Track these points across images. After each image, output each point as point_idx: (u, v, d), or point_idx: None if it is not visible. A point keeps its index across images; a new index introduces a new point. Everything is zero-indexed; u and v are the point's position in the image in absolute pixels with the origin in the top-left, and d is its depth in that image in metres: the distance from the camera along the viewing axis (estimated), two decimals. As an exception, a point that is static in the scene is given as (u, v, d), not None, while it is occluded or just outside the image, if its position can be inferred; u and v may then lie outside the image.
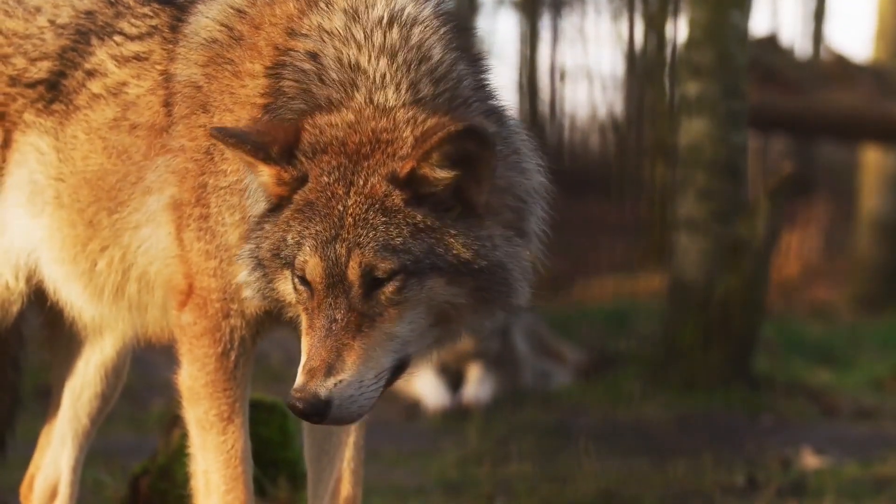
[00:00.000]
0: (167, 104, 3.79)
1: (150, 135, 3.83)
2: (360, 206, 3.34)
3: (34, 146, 3.99)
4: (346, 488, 3.94)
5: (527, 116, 16.01)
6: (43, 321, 4.38)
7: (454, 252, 3.34)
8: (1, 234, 4.05)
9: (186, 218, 3.72)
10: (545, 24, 18.25)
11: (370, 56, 3.49)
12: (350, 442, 3.94)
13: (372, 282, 3.33)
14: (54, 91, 3.98)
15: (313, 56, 3.53)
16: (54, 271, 4.00)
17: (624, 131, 16.51)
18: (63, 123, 3.95)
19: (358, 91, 3.46)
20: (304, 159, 3.42)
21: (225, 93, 3.70)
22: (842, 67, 11.92)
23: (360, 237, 3.32)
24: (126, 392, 4.92)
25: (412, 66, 3.48)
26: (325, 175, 3.39)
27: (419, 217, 3.34)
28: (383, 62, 3.47)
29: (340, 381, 3.31)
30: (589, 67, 17.30)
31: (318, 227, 3.36)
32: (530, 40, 17.22)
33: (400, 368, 3.42)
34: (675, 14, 14.72)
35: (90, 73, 3.94)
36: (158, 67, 3.85)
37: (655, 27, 15.49)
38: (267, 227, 3.46)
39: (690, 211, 8.30)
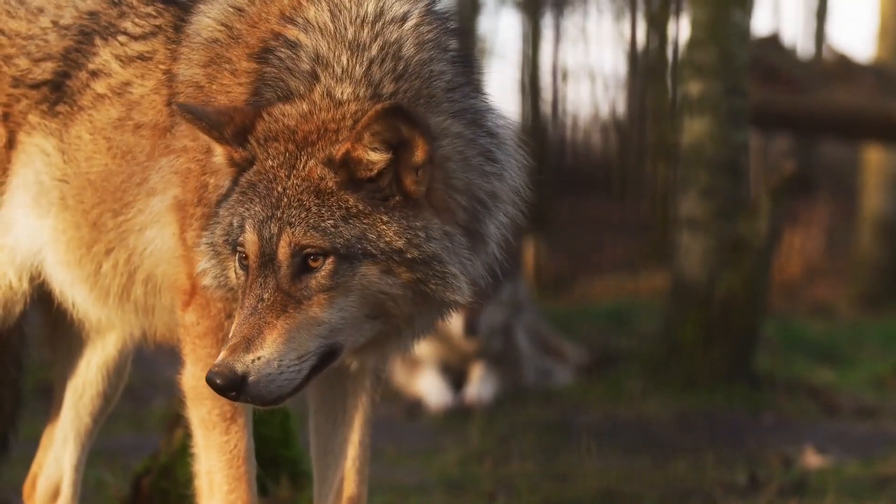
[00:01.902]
0: (170, 104, 3.80)
1: (154, 135, 3.84)
2: (297, 187, 3.39)
3: (39, 147, 3.99)
4: (350, 487, 3.94)
5: (529, 116, 16.01)
6: (44, 320, 4.38)
7: (386, 239, 3.37)
8: (6, 234, 4.06)
9: (189, 218, 3.73)
10: (547, 23, 18.25)
11: (337, 51, 3.52)
12: (355, 440, 3.94)
13: (302, 264, 3.36)
14: (58, 92, 3.98)
15: (293, 45, 3.57)
16: (59, 273, 4.01)
17: (626, 130, 16.52)
18: (67, 124, 3.95)
19: (318, 83, 3.50)
20: (255, 144, 3.47)
21: (223, 92, 3.72)
22: (843, 66, 11.90)
23: (292, 217, 3.37)
24: (128, 391, 4.91)
25: (375, 64, 3.51)
26: (271, 159, 3.44)
27: (351, 201, 3.38)
28: (346, 57, 3.51)
29: (259, 358, 3.32)
30: (591, 67, 17.31)
31: (257, 208, 3.41)
32: (532, 40, 17.21)
33: (330, 356, 3.43)
34: (677, 13, 14.75)
35: (94, 74, 3.94)
36: (162, 67, 3.86)
37: (657, 26, 15.51)
38: (221, 212, 3.52)
39: (692, 210, 8.30)
